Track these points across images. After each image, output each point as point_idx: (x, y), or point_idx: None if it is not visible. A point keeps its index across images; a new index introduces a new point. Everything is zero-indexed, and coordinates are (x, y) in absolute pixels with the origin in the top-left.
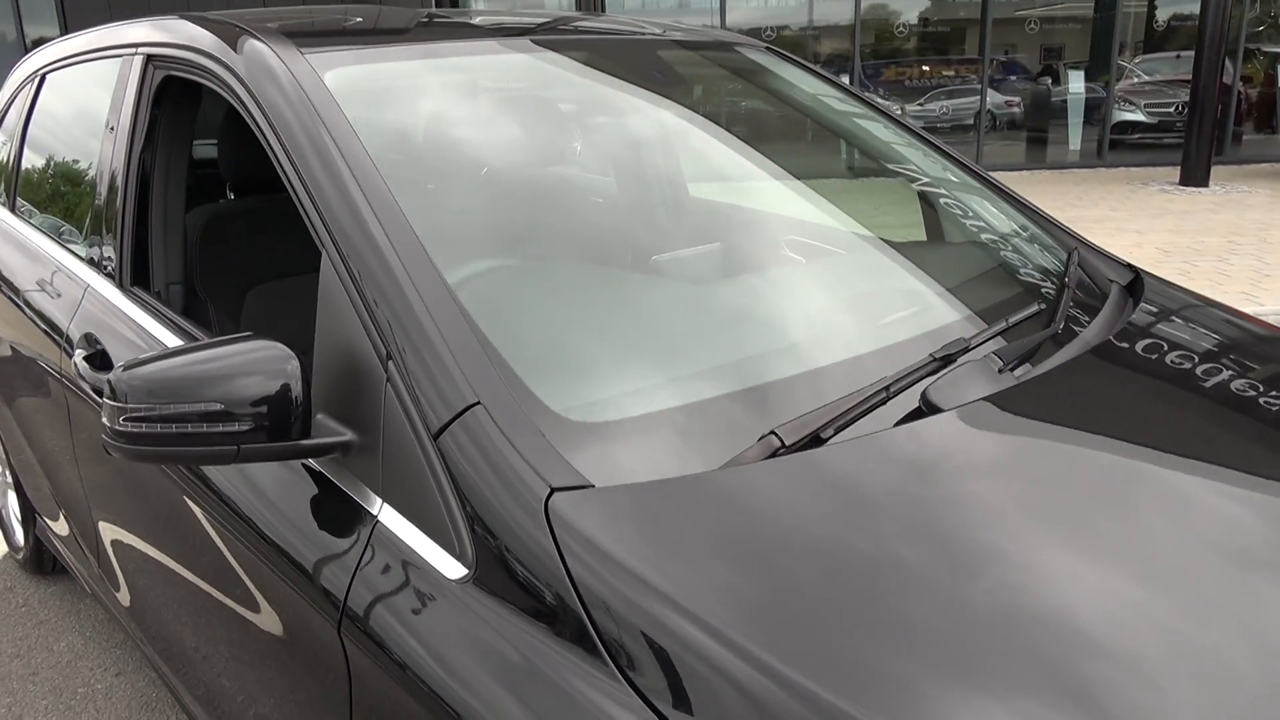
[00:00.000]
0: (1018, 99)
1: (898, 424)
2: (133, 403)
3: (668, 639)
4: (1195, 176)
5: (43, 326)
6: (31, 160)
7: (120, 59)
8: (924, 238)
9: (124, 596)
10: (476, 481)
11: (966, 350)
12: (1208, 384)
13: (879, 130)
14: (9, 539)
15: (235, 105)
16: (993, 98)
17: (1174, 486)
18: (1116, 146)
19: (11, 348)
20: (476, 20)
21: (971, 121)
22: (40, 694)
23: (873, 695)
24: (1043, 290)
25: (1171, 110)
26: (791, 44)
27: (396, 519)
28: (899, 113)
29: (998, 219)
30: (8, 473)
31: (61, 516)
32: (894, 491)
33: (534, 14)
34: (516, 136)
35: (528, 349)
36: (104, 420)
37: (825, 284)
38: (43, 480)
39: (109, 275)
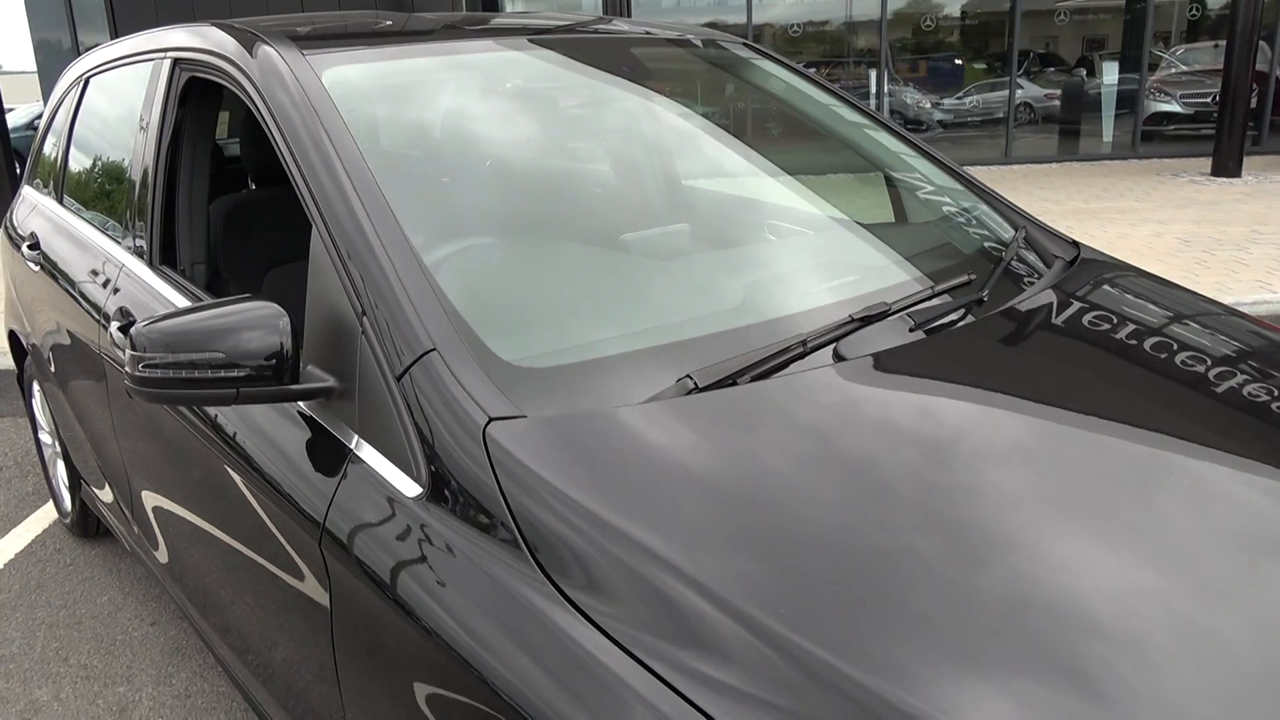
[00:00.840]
0: (1055, 91)
1: (801, 371)
2: (151, 353)
3: (579, 538)
4: (1227, 167)
5: (87, 308)
6: (77, 156)
7: (152, 63)
8: (891, 219)
9: (161, 554)
10: (430, 414)
11: (886, 313)
12: (1106, 345)
13: (851, 119)
14: (58, 506)
15: (246, 102)
16: (1028, 91)
17: (1028, 432)
18: (1152, 138)
19: (61, 329)
20: (476, 23)
21: (1001, 114)
22: (83, 639)
23: (738, 569)
24: (979, 263)
25: (1208, 100)
26: (819, 40)
27: (369, 450)
28: (924, 104)
29: (957, 202)
30: (57, 444)
31: (105, 483)
32: (783, 421)
33: (526, 16)
34: (494, 124)
35: (483, 308)
36: (126, 368)
37: (776, 258)
38: (88, 450)
39: (141, 256)
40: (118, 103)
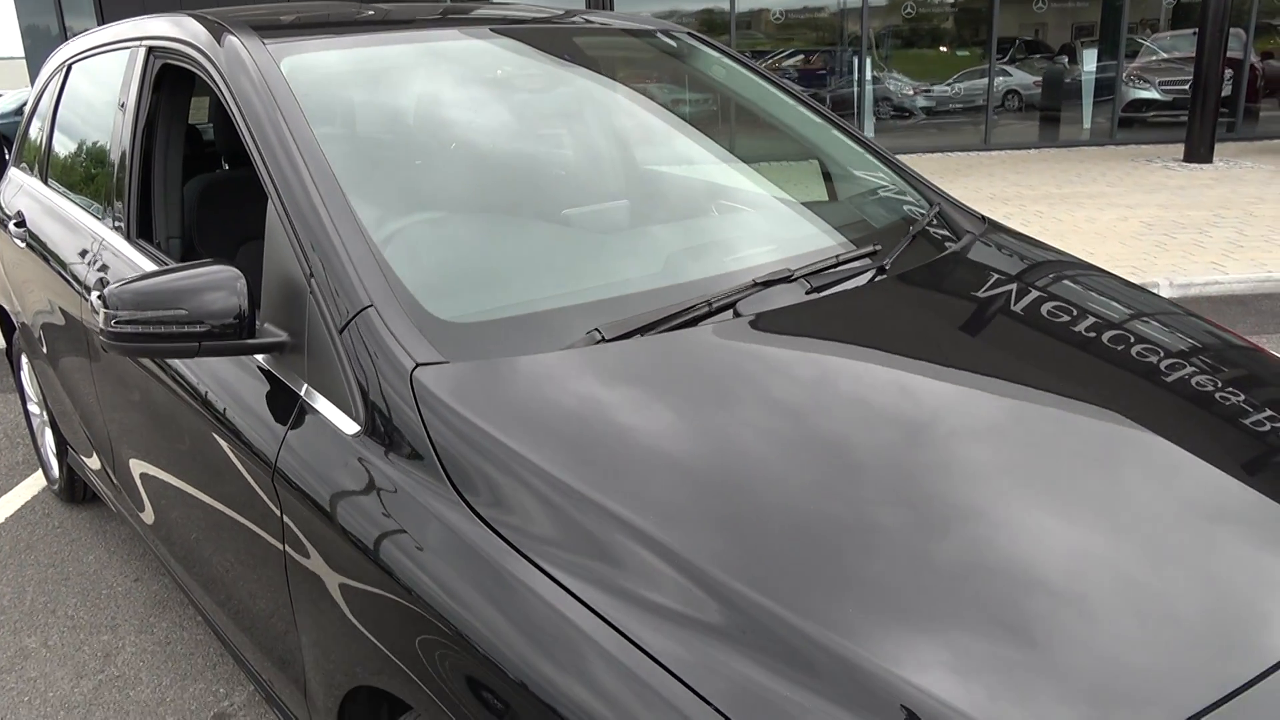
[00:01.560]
0: (1039, 79)
1: (699, 325)
2: (122, 310)
3: (487, 462)
4: (1199, 153)
5: (69, 281)
6: (60, 139)
7: (129, 50)
8: (823, 196)
9: (147, 515)
10: (367, 362)
11: (789, 278)
12: (984, 304)
13: (784, 102)
14: (47, 474)
15: (212, 87)
16: (1017, 78)
17: (889, 371)
18: (1131, 125)
19: (45, 302)
20: (440, 13)
21: (982, 102)
22: (70, 593)
23: (620, 485)
24: (893, 235)
25: (1186, 87)
26: (804, 26)
27: (315, 396)
28: (907, 91)
29: (881, 182)
30: (45, 414)
31: (92, 449)
32: (673, 364)
33: (493, 8)
34: (444, 107)
35: (420, 271)
36: (100, 324)
37: (704, 231)
38: (76, 420)
39: (119, 230)
40: (98, 88)
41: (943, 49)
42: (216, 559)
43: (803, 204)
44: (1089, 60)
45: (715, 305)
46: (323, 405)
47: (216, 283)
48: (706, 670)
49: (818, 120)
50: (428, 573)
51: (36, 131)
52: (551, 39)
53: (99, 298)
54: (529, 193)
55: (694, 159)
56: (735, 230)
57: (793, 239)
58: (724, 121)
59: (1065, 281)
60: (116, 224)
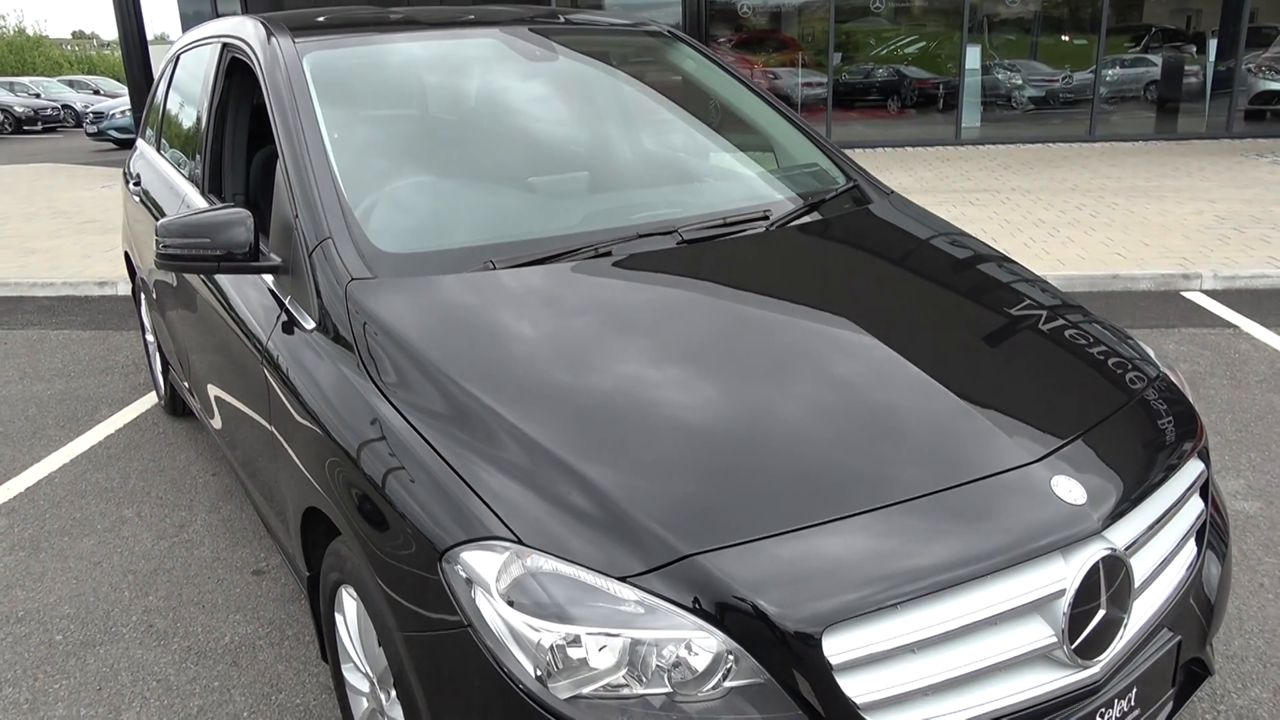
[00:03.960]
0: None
1: (573, 261)
2: (167, 238)
3: (395, 350)
4: None
5: None
6: (167, 116)
7: (210, 45)
8: (763, 171)
9: (215, 421)
10: (320, 277)
11: (670, 232)
12: (829, 257)
13: (743, 94)
14: (158, 391)
15: (254, 74)
16: (1150, 69)
17: (714, 302)
18: (1255, 118)
19: (147, 247)
20: (453, 16)
21: (1089, 93)
22: (163, 481)
23: (495, 383)
24: (799, 202)
25: None
26: (907, 15)
27: (295, 303)
28: (1015, 81)
29: (813, 161)
30: (156, 341)
31: (182, 370)
32: (541, 287)
33: (500, 10)
34: (430, 90)
35: (375, 214)
36: (154, 248)
37: (631, 199)
38: (170, 345)
39: (196, 186)
40: (192, 76)
41: (1064, 38)
42: (255, 449)
43: (736, 177)
44: (1209, 50)
45: (600, 249)
46: (295, 309)
47: (232, 220)
48: (505, 490)
49: (769, 109)
50: (350, 429)
51: (153, 110)
52: (550, 36)
53: (155, 229)
54: (493, 163)
55: (660, 137)
56: (658, 197)
57: (702, 204)
58: (693, 107)
59: (932, 243)
60: (195, 183)
